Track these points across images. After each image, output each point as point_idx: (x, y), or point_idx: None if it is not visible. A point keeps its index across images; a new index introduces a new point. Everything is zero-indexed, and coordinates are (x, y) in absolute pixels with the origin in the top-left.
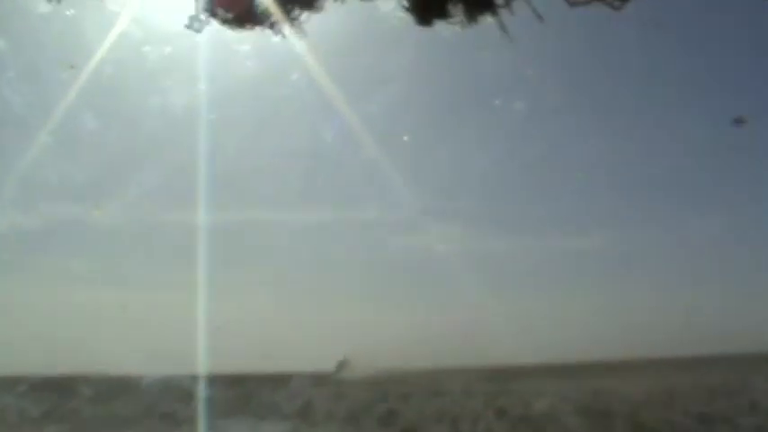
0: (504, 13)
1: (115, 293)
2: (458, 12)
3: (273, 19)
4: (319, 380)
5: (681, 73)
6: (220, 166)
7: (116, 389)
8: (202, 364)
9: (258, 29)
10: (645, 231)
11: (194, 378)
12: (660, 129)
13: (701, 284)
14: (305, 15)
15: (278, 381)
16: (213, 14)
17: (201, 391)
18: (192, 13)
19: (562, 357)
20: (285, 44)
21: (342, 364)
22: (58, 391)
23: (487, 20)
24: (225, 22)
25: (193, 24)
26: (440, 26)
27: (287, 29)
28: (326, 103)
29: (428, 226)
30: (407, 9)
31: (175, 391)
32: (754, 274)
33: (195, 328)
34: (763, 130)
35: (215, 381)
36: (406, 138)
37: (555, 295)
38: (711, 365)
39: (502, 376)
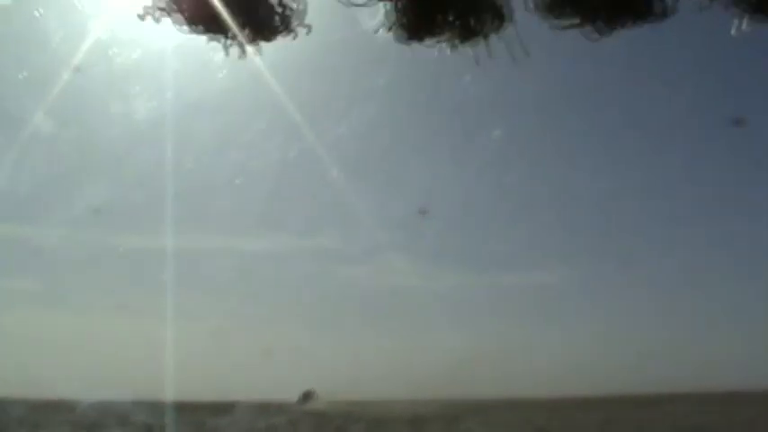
0: (493, 39)
1: (56, 316)
2: (446, 33)
3: (231, 33)
4: (263, 408)
5: (655, 105)
6: (179, 183)
7: (50, 412)
8: (147, 390)
9: (216, 37)
10: (604, 267)
11: (136, 404)
12: (628, 164)
13: (652, 322)
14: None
15: (222, 409)
16: (167, 11)
17: (141, 418)
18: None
19: (512, 392)
20: (258, 58)
21: (307, 396)
22: None
23: (476, 44)
24: (178, 21)
25: (147, 14)
26: (419, 48)
27: (246, 46)
28: (294, 123)
29: (386, 258)
30: (395, 25)
31: (113, 417)
32: (716, 312)
33: (143, 353)
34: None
35: (158, 408)
36: (335, 173)
37: (511, 330)
38: (658, 404)
39: (454, 411)
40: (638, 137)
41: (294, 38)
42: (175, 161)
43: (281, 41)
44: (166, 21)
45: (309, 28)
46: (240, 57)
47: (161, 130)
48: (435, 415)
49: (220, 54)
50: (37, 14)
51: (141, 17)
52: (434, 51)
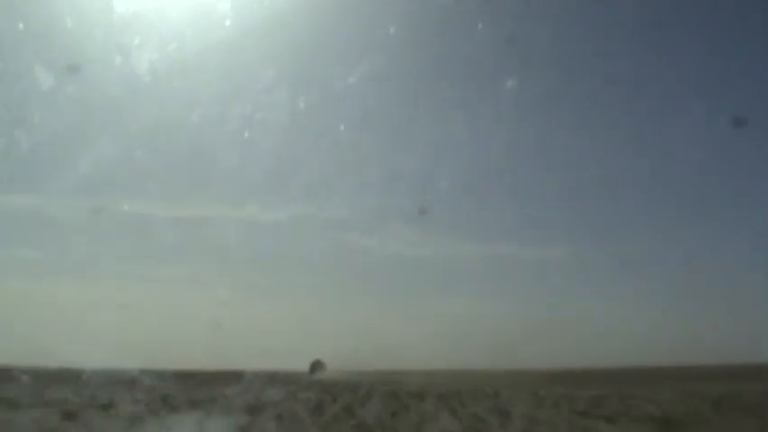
0: None
1: (60, 284)
2: None
3: None
4: (272, 378)
5: (667, 83)
6: (184, 148)
7: (56, 379)
8: (154, 358)
9: None
10: (611, 242)
11: (143, 372)
12: (638, 140)
13: (664, 297)
14: None
15: (230, 378)
16: None
17: (148, 384)
18: None
19: (514, 364)
20: (265, 6)
21: (315, 366)
22: None
23: None
24: None
25: None
26: None
27: None
28: (302, 75)
29: (393, 228)
30: None
31: (120, 384)
32: (719, 288)
33: (150, 321)
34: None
35: (165, 375)
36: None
37: (516, 302)
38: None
39: (459, 378)
40: (650, 102)
41: None
42: (180, 122)
43: None
44: None
45: None
46: None
47: (165, 88)
48: (442, 387)
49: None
50: None
51: None
52: None
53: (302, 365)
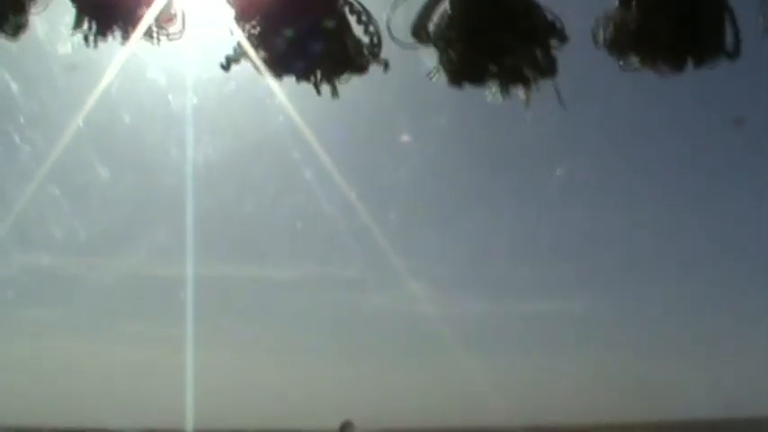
0: (545, 84)
1: (76, 345)
2: (493, 79)
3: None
4: None
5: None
6: (203, 217)
7: None
8: (188, 420)
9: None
10: (629, 295)
11: None
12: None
13: (684, 350)
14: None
15: None
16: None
17: None
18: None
19: (546, 420)
20: (320, 100)
21: (346, 426)
22: None
23: (528, 89)
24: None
25: (232, 62)
26: (470, 92)
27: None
28: (315, 160)
29: (409, 287)
30: (446, 69)
31: None
32: (738, 340)
33: (180, 383)
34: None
35: None
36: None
37: (540, 359)
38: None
39: None
40: (659, 175)
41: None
42: (198, 189)
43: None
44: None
45: (387, 64)
46: (334, 96)
47: (182, 156)
48: None
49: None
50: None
51: (225, 67)
52: (484, 96)
53: (325, 425)
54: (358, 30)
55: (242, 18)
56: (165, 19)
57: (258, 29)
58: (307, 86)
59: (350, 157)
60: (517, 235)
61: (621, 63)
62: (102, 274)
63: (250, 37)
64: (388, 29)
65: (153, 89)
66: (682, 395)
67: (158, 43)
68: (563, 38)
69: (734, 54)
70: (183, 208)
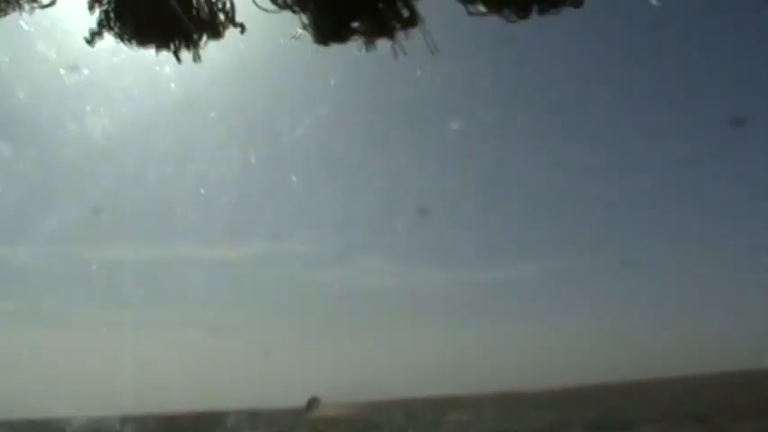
0: (401, 37)
1: (35, 333)
2: (357, 35)
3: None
4: (252, 417)
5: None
6: (142, 197)
7: (42, 430)
8: (133, 404)
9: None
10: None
11: (125, 419)
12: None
13: (634, 313)
14: (204, 41)
15: (213, 418)
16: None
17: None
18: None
19: (510, 387)
20: (205, 68)
21: (312, 403)
22: None
23: (385, 45)
24: (122, 37)
25: (96, 36)
26: (337, 49)
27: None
28: (251, 129)
29: (357, 259)
30: (307, 27)
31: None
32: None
33: (129, 367)
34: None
35: (147, 420)
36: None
37: (488, 326)
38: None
39: (433, 407)
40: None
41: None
42: (140, 174)
43: (215, 45)
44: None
45: (243, 27)
46: (196, 61)
47: (121, 146)
48: (422, 412)
49: (167, 66)
50: None
51: (89, 41)
52: (354, 51)
53: (287, 402)
54: None
55: None
56: None
57: (112, 3)
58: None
59: (248, 120)
60: (469, 199)
61: (469, 9)
62: (50, 262)
63: (107, 11)
64: None
65: (44, 63)
66: (639, 356)
67: (31, 12)
68: None
69: (577, 2)
70: (126, 196)
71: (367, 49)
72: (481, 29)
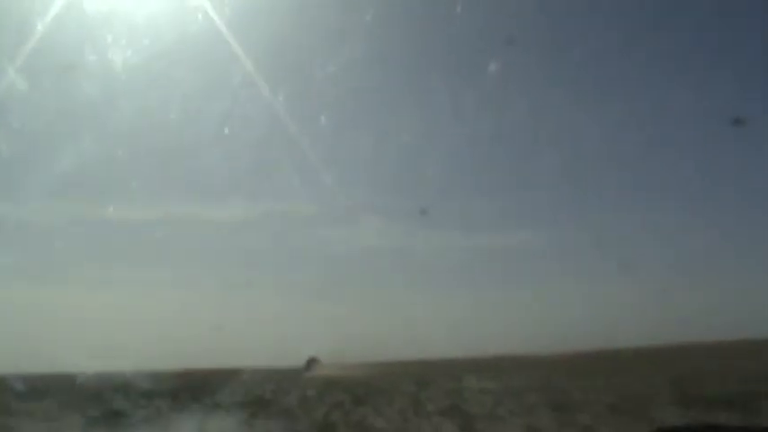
0: None
1: (38, 290)
2: None
3: None
4: (268, 376)
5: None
6: (143, 156)
7: (50, 385)
8: (145, 360)
9: None
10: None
11: (136, 374)
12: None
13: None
14: None
15: (227, 375)
16: None
17: (143, 387)
18: None
19: (508, 350)
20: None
21: (311, 362)
22: None
23: None
24: None
25: None
26: None
27: None
28: (256, 78)
29: (358, 221)
30: None
31: (114, 387)
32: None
33: (140, 323)
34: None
35: (160, 376)
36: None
37: (485, 291)
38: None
39: (431, 370)
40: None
41: None
42: (142, 127)
43: None
44: None
45: None
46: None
47: (139, 86)
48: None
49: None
50: None
51: None
52: None
53: (293, 362)
54: None
55: None
56: None
57: None
58: None
59: (276, 57)
60: (477, 167)
61: None
62: (60, 218)
63: None
64: None
65: None
66: (632, 324)
67: None
68: None
69: None
70: (144, 149)
71: None
72: None
